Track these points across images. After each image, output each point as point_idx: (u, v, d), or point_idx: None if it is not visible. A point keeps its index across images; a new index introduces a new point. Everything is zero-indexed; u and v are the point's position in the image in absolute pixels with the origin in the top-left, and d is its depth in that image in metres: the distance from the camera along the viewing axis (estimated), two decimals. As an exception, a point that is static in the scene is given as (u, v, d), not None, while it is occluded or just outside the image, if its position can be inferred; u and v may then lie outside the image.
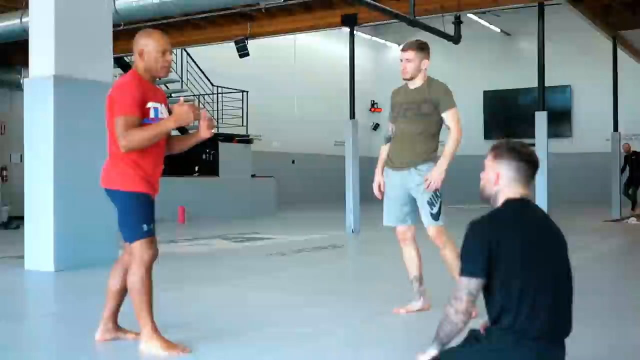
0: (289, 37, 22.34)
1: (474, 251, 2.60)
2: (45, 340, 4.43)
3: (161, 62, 3.86)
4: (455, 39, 14.06)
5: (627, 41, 16.25)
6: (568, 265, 2.72)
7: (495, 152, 2.78)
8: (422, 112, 4.77)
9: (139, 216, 3.77)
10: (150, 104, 3.80)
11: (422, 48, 4.84)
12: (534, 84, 11.17)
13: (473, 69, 25.82)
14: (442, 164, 4.67)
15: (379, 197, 4.96)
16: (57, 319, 5.04)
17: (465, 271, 2.62)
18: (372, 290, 5.96)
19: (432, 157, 4.79)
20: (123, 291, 3.99)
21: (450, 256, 4.73)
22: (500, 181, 2.75)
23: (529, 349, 2.56)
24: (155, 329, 3.79)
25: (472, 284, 2.59)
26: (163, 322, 4.63)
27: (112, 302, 4.02)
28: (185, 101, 3.82)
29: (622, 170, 17.45)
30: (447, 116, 4.75)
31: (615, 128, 15.62)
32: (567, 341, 2.69)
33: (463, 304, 2.60)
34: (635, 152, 17.13)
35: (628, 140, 21.64)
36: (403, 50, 4.88)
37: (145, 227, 3.77)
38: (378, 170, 4.99)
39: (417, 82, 4.86)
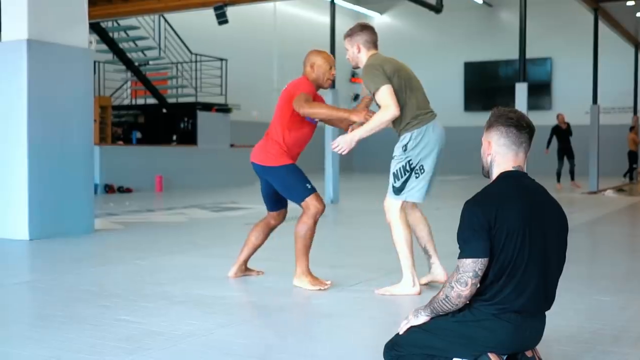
0: (269, 5, 22.15)
1: (475, 231, 2.50)
2: (19, 309, 4.37)
3: (327, 76, 4.76)
4: (438, 8, 13.97)
5: (608, 14, 16.24)
6: (563, 241, 2.66)
7: (487, 122, 2.70)
8: None
9: (299, 179, 4.65)
10: None
11: (350, 34, 4.68)
12: (515, 55, 11.12)
13: (454, 40, 25.71)
14: (356, 132, 4.49)
15: None
16: (31, 287, 4.97)
17: (469, 253, 2.50)
18: (350, 261, 5.94)
19: (407, 128, 4.53)
20: (259, 246, 4.99)
21: (394, 237, 4.56)
22: (492, 149, 2.66)
23: (507, 321, 2.53)
24: (307, 269, 4.63)
25: (478, 265, 2.49)
26: (133, 290, 4.59)
27: (250, 252, 4.98)
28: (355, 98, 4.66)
29: (549, 143, 16.48)
30: (376, 99, 4.54)
31: (595, 101, 15.67)
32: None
33: (468, 288, 2.50)
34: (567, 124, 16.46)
35: (607, 114, 21.74)
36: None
37: (308, 185, 4.65)
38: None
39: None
